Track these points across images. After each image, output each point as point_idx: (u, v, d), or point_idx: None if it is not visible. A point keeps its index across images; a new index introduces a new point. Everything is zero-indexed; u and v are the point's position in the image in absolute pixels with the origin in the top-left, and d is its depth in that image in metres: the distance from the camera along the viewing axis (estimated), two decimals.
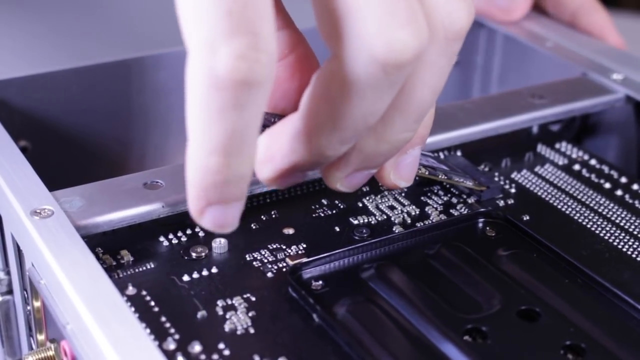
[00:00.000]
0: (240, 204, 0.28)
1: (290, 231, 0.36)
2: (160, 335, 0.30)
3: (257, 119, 0.26)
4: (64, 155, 0.47)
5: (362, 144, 0.30)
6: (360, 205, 0.38)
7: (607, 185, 0.41)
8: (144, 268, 0.34)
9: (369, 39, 0.27)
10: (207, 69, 0.25)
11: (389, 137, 0.30)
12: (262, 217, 0.37)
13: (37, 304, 0.33)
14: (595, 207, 0.39)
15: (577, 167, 0.42)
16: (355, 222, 0.37)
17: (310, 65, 0.32)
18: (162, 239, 0.35)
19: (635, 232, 0.37)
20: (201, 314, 0.31)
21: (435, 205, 0.38)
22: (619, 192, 0.40)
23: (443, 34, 0.28)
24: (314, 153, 0.30)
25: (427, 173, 0.37)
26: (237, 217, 0.28)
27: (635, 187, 0.40)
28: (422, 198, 0.39)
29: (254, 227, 0.36)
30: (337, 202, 0.38)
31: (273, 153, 0.30)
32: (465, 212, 0.38)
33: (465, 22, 0.29)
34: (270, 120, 0.32)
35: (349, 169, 0.31)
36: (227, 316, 0.31)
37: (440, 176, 0.37)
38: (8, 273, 0.36)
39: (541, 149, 0.43)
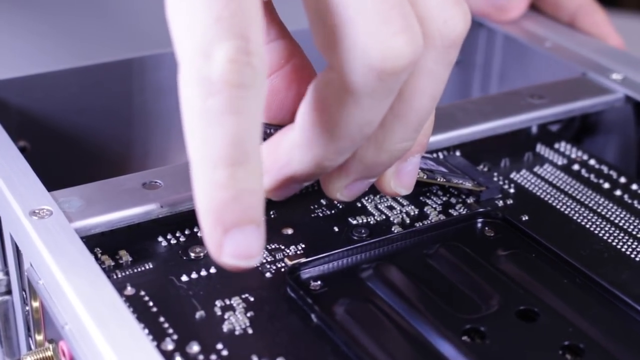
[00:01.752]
0: (258, 229, 0.26)
1: (289, 231, 0.36)
2: (158, 335, 0.30)
3: (256, 125, 0.26)
4: (64, 156, 0.47)
5: (362, 153, 0.30)
6: (359, 205, 0.38)
7: (606, 185, 0.40)
8: (143, 268, 0.34)
9: (364, 47, 0.27)
10: (201, 76, 0.25)
11: (389, 146, 0.30)
12: None
13: (35, 304, 0.33)
14: (595, 207, 0.39)
15: (576, 167, 0.42)
16: (354, 222, 0.37)
17: (307, 75, 0.32)
18: (160, 239, 0.35)
19: (634, 232, 0.37)
20: (199, 314, 0.32)
21: (434, 206, 0.38)
22: (618, 192, 0.40)
23: (440, 41, 0.29)
24: (311, 164, 0.30)
25: (425, 177, 0.37)
26: (259, 245, 0.27)
27: (634, 187, 0.40)
28: (421, 198, 0.39)
29: None
30: (336, 202, 0.38)
31: (270, 165, 0.30)
32: (464, 212, 0.38)
33: (461, 29, 0.29)
34: (267, 132, 0.32)
35: (349, 178, 0.31)
36: (226, 316, 0.31)
37: (438, 179, 0.37)
38: (7, 273, 0.36)
39: (540, 149, 0.43)
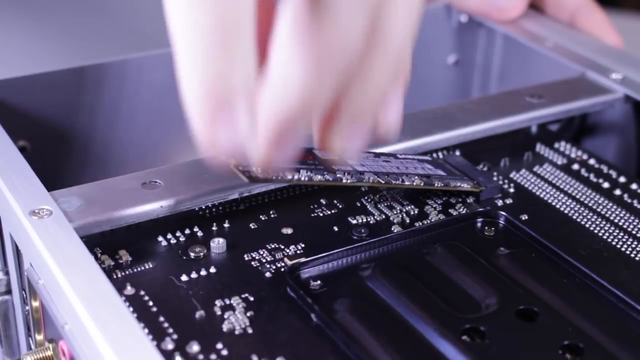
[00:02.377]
0: (247, 104, 0.26)
1: (289, 231, 0.36)
2: (158, 335, 0.30)
3: (249, 9, 0.26)
4: (63, 156, 0.47)
5: (349, 93, 0.29)
6: (359, 205, 0.38)
7: (606, 185, 0.40)
8: (143, 268, 0.34)
9: None
10: None
11: (373, 79, 0.29)
12: (261, 216, 0.37)
13: (35, 304, 0.33)
14: (594, 207, 0.39)
15: (575, 166, 0.42)
16: (354, 221, 0.37)
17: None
18: (160, 238, 0.35)
19: (633, 232, 0.37)
20: (199, 313, 0.32)
21: (434, 205, 0.38)
22: (617, 192, 0.40)
23: None
24: (297, 99, 0.28)
25: (422, 184, 0.37)
26: (248, 120, 0.26)
27: (634, 186, 0.40)
28: (421, 198, 0.39)
29: (252, 227, 0.36)
30: (335, 201, 0.38)
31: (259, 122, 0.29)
32: (464, 211, 0.38)
33: None
34: None
35: (343, 124, 0.31)
36: (226, 316, 0.31)
37: (436, 184, 0.37)
38: (7, 273, 0.36)
39: (540, 148, 0.43)
